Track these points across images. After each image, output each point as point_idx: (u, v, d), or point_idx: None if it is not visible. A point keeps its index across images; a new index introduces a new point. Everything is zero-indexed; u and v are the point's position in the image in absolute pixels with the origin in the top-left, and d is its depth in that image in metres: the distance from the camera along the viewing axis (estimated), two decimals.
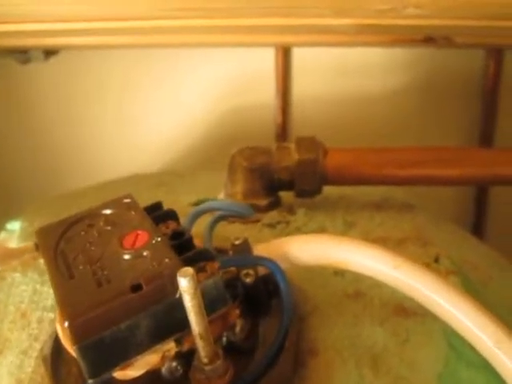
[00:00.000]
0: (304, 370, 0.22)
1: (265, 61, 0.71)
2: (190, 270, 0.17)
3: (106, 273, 0.19)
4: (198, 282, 0.18)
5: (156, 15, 0.59)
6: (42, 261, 0.30)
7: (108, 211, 0.23)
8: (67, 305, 0.18)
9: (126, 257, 0.20)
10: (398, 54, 0.71)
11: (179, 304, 0.18)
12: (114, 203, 0.23)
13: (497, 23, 0.58)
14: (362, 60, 0.72)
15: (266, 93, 0.73)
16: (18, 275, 0.29)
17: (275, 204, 0.36)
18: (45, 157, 0.77)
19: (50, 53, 0.72)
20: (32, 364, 0.24)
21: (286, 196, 0.39)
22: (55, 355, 0.22)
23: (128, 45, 0.68)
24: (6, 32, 0.64)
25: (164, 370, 0.20)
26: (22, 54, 0.71)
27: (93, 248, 0.20)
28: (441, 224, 0.37)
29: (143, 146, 0.75)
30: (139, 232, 0.21)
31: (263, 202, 0.35)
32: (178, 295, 0.18)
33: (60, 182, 0.76)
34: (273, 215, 0.34)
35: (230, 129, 0.75)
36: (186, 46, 0.69)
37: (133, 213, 0.22)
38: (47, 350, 0.22)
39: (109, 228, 0.22)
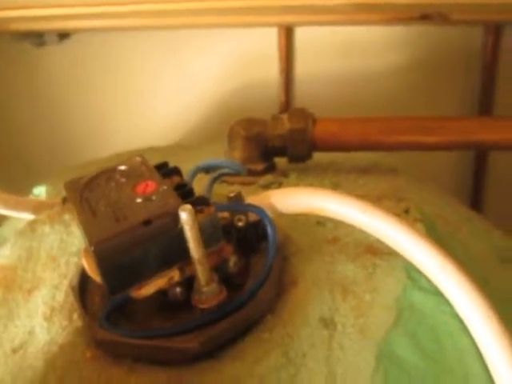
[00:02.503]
0: (286, 295, 0.26)
1: (268, 40, 0.74)
2: (188, 206, 0.22)
3: (122, 212, 0.23)
4: (196, 219, 0.22)
5: None
6: (66, 216, 0.35)
7: (122, 167, 0.27)
8: (93, 235, 0.22)
9: (138, 200, 0.24)
10: (398, 32, 0.73)
11: (181, 236, 0.23)
12: (128, 161, 0.28)
13: (490, 0, 0.60)
14: (362, 38, 0.74)
15: (270, 71, 0.76)
16: (47, 227, 0.34)
17: (270, 168, 0.40)
18: (59, 134, 0.82)
19: (63, 36, 0.76)
20: (62, 296, 0.29)
21: (280, 162, 0.43)
22: (81, 286, 0.27)
23: (137, 27, 0.71)
24: (23, 17, 0.69)
25: (170, 295, 0.25)
26: (38, 38, 0.76)
27: (111, 194, 0.25)
28: (422, 186, 0.41)
29: (153, 122, 0.80)
30: (149, 182, 0.25)
31: (260, 167, 0.39)
32: (179, 227, 0.22)
33: (73, 157, 0.81)
34: (267, 178, 0.38)
35: (236, 106, 0.78)
36: (192, 27, 0.72)
37: (143, 168, 0.27)
38: (75, 282, 0.27)
39: (123, 180, 0.26)
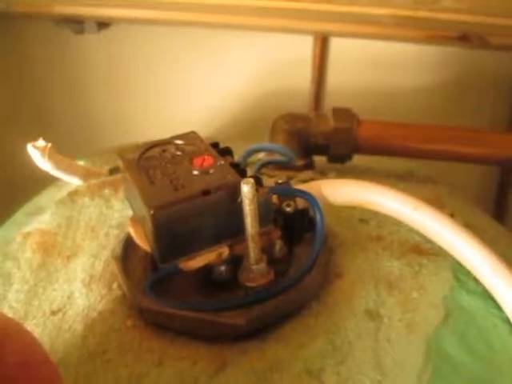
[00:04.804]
0: (331, 286, 0.26)
1: (303, 48, 0.74)
2: (250, 179, 0.22)
3: (180, 182, 0.23)
4: (256, 194, 0.22)
5: None
6: (106, 190, 0.35)
7: (178, 141, 0.27)
8: (151, 200, 0.22)
9: (196, 172, 0.24)
10: (433, 51, 0.73)
11: (237, 211, 0.23)
12: (182, 136, 0.28)
13: None
14: (396, 55, 0.74)
15: (302, 79, 0.76)
16: (86, 199, 0.34)
17: (309, 166, 0.40)
18: (88, 122, 0.83)
19: (102, 25, 0.77)
20: (101, 265, 0.28)
21: (319, 162, 0.43)
22: (124, 255, 0.27)
23: (174, 21, 0.72)
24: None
25: (214, 273, 0.25)
26: (78, 25, 0.77)
27: (168, 165, 0.25)
28: (457, 196, 0.40)
29: (181, 118, 0.80)
30: (205, 156, 0.25)
31: (299, 163, 0.39)
32: (239, 200, 0.22)
33: (100, 146, 0.81)
34: (307, 173, 0.38)
35: (264, 110, 0.78)
36: (231, 27, 0.73)
37: (199, 143, 0.27)
38: (118, 252, 0.27)
39: (179, 153, 0.26)
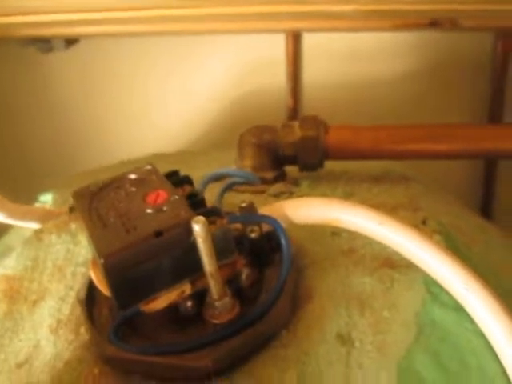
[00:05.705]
0: (301, 310, 0.25)
1: (276, 46, 0.73)
2: (201, 218, 0.21)
3: (132, 223, 0.23)
4: (209, 231, 0.21)
5: (171, 4, 0.62)
6: (73, 225, 0.34)
7: (133, 176, 0.26)
8: (102, 247, 0.21)
9: (149, 211, 0.23)
10: (406, 37, 0.72)
11: (193, 248, 0.22)
12: (138, 170, 0.27)
13: (502, 7, 0.59)
14: (370, 45, 0.73)
15: (278, 77, 0.75)
16: (53, 237, 0.33)
17: (281, 177, 0.39)
18: (66, 139, 0.82)
19: (70, 42, 0.76)
20: (69, 308, 0.28)
21: (292, 171, 0.42)
22: (89, 298, 0.26)
23: (143, 32, 0.71)
24: (30, 23, 0.68)
25: (181, 308, 0.24)
26: (45, 43, 0.75)
27: (121, 204, 0.24)
28: (435, 195, 0.40)
29: (159, 128, 0.79)
30: (160, 191, 0.24)
31: (270, 175, 0.38)
32: (192, 239, 0.22)
33: (79, 164, 0.80)
34: (278, 186, 0.38)
35: (243, 112, 0.78)
36: (200, 33, 0.71)
37: (154, 177, 0.26)
38: (82, 294, 0.26)
39: (134, 189, 0.25)
